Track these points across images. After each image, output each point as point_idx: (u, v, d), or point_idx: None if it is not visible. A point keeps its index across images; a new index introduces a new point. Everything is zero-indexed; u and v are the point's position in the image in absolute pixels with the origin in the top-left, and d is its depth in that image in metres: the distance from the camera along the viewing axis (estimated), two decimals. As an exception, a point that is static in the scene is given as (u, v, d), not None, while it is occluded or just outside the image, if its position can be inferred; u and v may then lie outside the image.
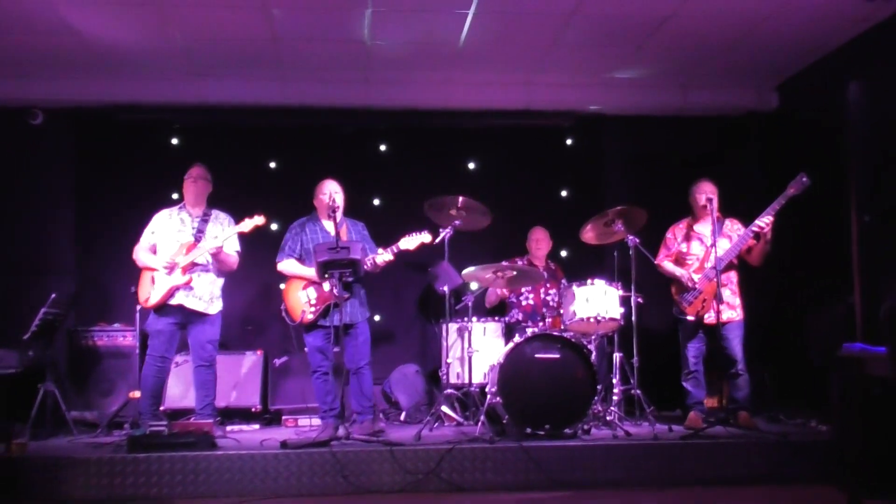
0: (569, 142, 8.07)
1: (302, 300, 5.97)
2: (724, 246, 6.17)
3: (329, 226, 6.04)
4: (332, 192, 6.01)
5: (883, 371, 4.41)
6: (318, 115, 7.56)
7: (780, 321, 7.22)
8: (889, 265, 6.00)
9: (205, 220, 6.15)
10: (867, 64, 6.35)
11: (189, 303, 5.98)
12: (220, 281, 6.18)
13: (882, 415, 4.70)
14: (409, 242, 5.96)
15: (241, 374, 6.95)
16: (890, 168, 6.09)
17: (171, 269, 5.93)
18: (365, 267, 5.89)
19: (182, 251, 6.02)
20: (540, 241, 7.16)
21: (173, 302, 5.96)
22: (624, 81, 7.52)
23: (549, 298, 6.88)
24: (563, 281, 7.07)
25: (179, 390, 6.74)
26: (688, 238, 6.33)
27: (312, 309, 5.92)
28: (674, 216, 6.53)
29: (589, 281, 6.15)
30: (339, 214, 5.97)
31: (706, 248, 6.10)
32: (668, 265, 6.35)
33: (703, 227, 6.24)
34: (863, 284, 6.22)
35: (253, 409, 6.86)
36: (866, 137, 6.32)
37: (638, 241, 6.23)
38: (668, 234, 6.44)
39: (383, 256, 5.89)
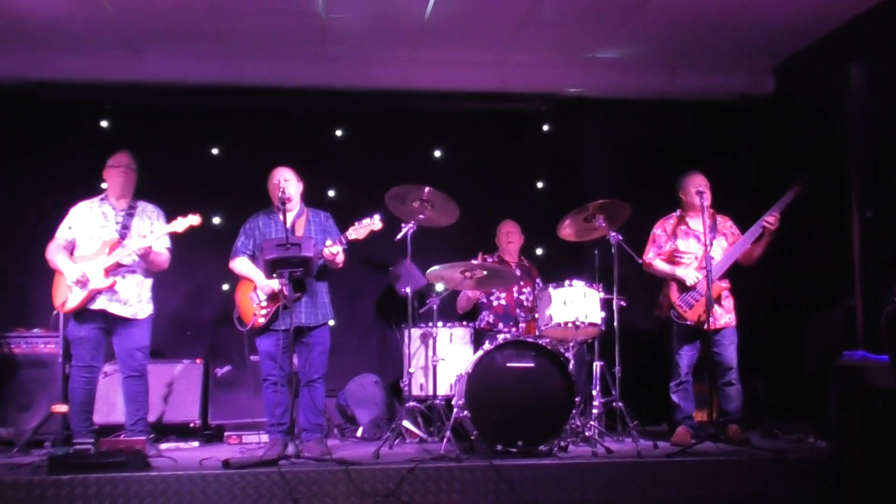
0: (545, 128, 8.12)
1: (253, 302, 5.96)
2: (721, 244, 6.23)
3: (287, 218, 5.99)
4: (281, 180, 5.98)
5: (885, 381, 4.46)
6: (267, 97, 7.54)
7: (775, 327, 7.30)
8: (893, 265, 6.08)
9: (130, 213, 6.06)
10: (870, 45, 6.42)
11: (112, 308, 5.90)
12: (149, 282, 6.10)
13: (884, 429, 4.74)
14: (359, 231, 5.92)
15: (177, 386, 6.89)
16: (895, 159, 6.17)
17: (82, 284, 5.83)
18: (319, 263, 5.87)
19: (104, 250, 5.92)
20: (511, 235, 7.17)
21: (94, 307, 5.88)
22: (606, 62, 7.56)
23: (522, 298, 6.90)
24: (539, 281, 7.08)
25: (107, 404, 6.66)
26: (680, 235, 6.37)
27: (264, 311, 5.89)
28: (660, 211, 6.57)
29: (567, 282, 6.15)
30: (293, 205, 5.94)
31: (706, 247, 6.13)
32: (661, 264, 6.37)
33: (697, 224, 6.27)
34: (864, 286, 6.30)
35: (191, 425, 6.82)
36: (869, 125, 6.39)
37: (621, 237, 6.25)
38: (657, 230, 6.47)
39: (331, 249, 5.85)
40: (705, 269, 5.92)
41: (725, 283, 6.25)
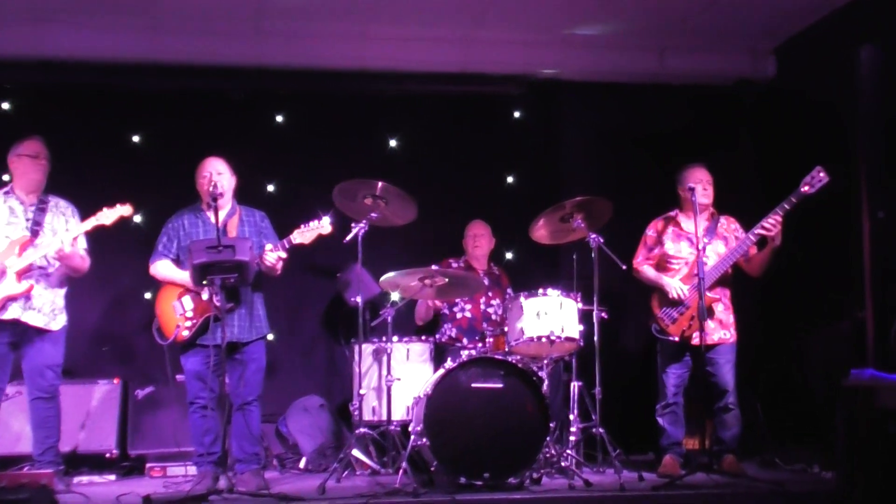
0: (517, 114, 8.14)
1: (177, 312, 5.92)
2: (718, 250, 6.28)
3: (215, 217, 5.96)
4: (213, 172, 5.97)
5: (899, 403, 4.50)
6: (196, 76, 7.49)
7: (775, 342, 7.35)
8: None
9: (42, 209, 6.02)
10: (882, 23, 6.47)
11: (28, 317, 5.86)
12: (63, 290, 6.07)
13: (897, 457, 4.78)
14: (305, 235, 5.91)
15: (92, 410, 6.83)
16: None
17: None
18: (256, 269, 5.85)
19: (13, 250, 5.87)
20: (479, 238, 7.19)
21: (6, 317, 5.82)
22: (586, 40, 7.60)
23: (490, 310, 6.95)
24: (509, 290, 7.10)
25: (12, 431, 6.58)
26: (670, 237, 6.42)
27: (189, 323, 5.87)
28: (647, 209, 6.62)
29: (541, 290, 6.16)
30: (225, 202, 5.94)
31: (697, 251, 6.16)
32: (649, 270, 6.42)
33: (691, 224, 6.27)
34: (875, 296, 6.35)
35: (107, 455, 6.75)
36: (880, 113, 6.44)
37: (602, 240, 6.26)
38: (649, 231, 6.51)
39: (272, 255, 5.83)
40: (697, 277, 5.95)
41: (718, 294, 6.28)
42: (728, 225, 6.42)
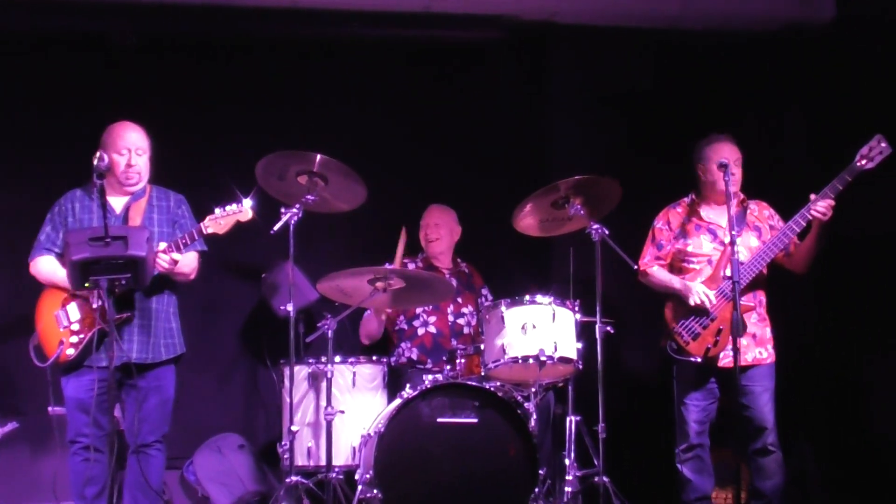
0: (496, 68, 8.11)
1: (60, 323, 5.88)
2: (750, 243, 6.25)
3: (117, 202, 5.99)
4: (132, 151, 5.96)
5: None
6: (74, 14, 7.42)
7: (830, 364, 7.36)
8: None
9: None
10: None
11: None
12: None
13: None
14: (218, 222, 5.87)
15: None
16: None
17: None
18: (157, 269, 5.80)
19: None
20: (439, 228, 7.20)
21: None
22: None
23: (461, 321, 7.02)
24: (485, 292, 7.07)
25: None
26: (688, 230, 6.40)
27: (75, 338, 5.83)
28: (664, 192, 6.59)
29: (527, 297, 6.18)
30: (140, 175, 5.96)
31: (723, 246, 6.13)
32: (660, 272, 6.40)
33: (716, 213, 6.28)
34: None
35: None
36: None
37: (607, 232, 6.23)
38: (658, 223, 6.49)
39: (163, 257, 5.78)
40: (725, 280, 5.95)
41: (752, 302, 6.25)
42: (760, 211, 6.41)
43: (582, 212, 6.24)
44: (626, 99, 7.88)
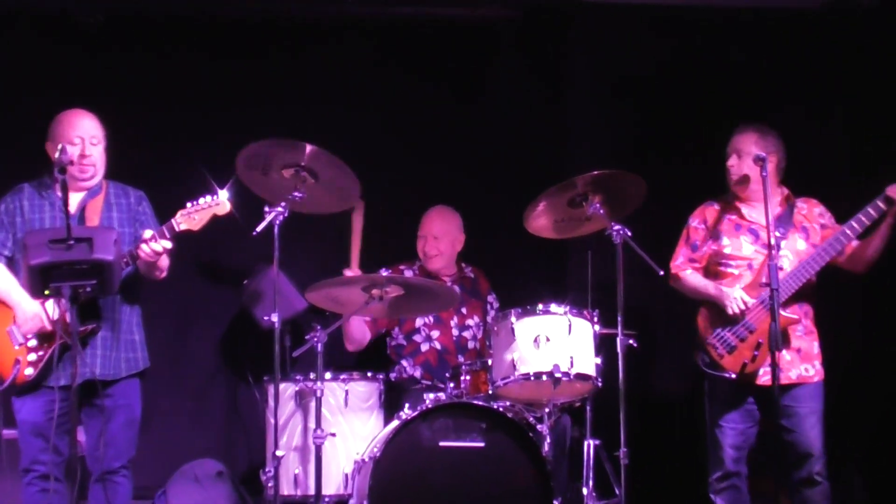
0: (508, 51, 8.11)
1: (14, 341, 5.86)
2: (796, 247, 6.22)
3: (71, 199, 5.82)
4: (87, 140, 5.95)
5: None
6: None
7: (881, 387, 7.35)
8: None
9: None
10: None
11: None
12: None
13: None
14: (192, 217, 5.86)
15: None
16: None
17: None
18: (126, 271, 5.80)
19: None
20: (438, 243, 7.19)
21: None
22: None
23: (467, 335, 7.01)
24: (491, 300, 7.03)
25: None
26: (726, 229, 6.37)
27: (34, 356, 5.82)
28: (694, 191, 6.60)
29: (540, 306, 6.15)
30: (95, 167, 5.93)
31: (766, 249, 6.09)
32: (695, 277, 6.40)
33: (760, 212, 6.17)
34: None
35: None
36: None
37: (630, 233, 6.20)
38: (693, 221, 6.49)
39: (153, 247, 5.74)
40: (766, 287, 5.87)
41: (798, 314, 6.22)
42: (810, 210, 6.39)
43: (601, 211, 6.21)
44: (652, 83, 7.87)
